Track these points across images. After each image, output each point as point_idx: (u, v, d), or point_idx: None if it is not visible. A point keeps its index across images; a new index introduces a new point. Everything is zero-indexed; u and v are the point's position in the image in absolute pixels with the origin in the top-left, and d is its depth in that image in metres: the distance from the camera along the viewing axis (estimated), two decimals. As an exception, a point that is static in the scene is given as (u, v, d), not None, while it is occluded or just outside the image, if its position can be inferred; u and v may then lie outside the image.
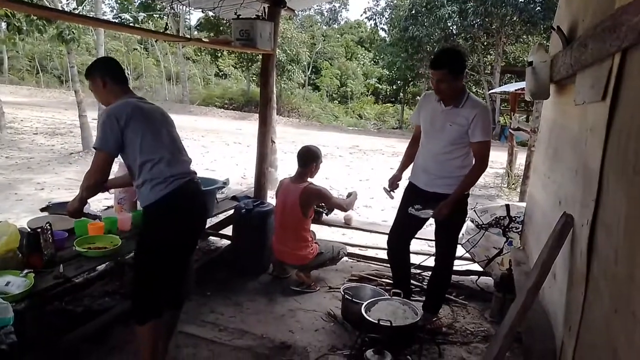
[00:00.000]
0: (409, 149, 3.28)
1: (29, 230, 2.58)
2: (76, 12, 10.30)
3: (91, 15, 10.95)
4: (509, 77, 20.76)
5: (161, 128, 2.33)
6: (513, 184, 8.86)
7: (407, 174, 3.28)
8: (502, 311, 3.16)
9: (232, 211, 4.10)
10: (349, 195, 3.83)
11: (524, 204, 3.57)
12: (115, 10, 27.07)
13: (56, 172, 8.11)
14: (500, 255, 3.51)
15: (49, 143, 11.48)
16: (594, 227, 1.47)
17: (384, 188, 3.31)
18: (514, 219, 3.52)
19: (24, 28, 9.97)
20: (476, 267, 3.82)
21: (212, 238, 4.66)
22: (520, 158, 8.88)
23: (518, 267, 2.77)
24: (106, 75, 2.31)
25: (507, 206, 3.60)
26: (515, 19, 18.84)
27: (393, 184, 3.26)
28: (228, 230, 4.39)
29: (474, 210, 3.69)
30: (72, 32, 9.52)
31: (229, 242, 4.37)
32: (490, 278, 3.67)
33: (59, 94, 27.54)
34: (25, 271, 2.30)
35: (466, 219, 3.21)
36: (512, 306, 1.93)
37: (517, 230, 3.49)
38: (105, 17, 15.44)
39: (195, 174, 2.44)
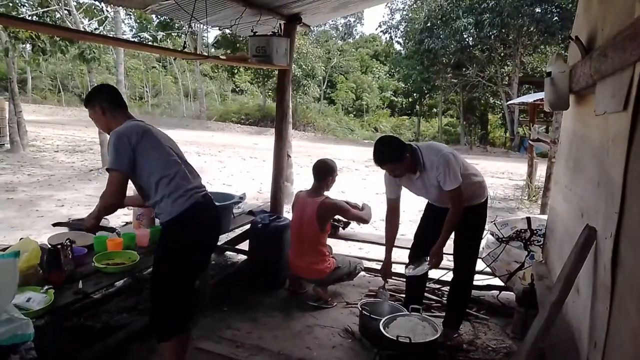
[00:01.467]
0: (389, 226, 3.31)
1: (50, 246, 2.61)
2: (97, 32, 10.61)
3: (111, 35, 11.25)
4: (527, 88, 20.54)
5: (170, 145, 2.38)
6: (534, 196, 8.71)
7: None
8: (525, 327, 3.07)
9: (248, 226, 4.10)
10: (362, 208, 3.81)
11: (545, 217, 3.49)
12: (134, 30, 27.81)
13: (76, 189, 8.27)
14: (521, 269, 3.43)
15: (69, 160, 11.73)
16: (617, 239, 1.43)
17: (379, 291, 3.34)
18: (535, 232, 3.45)
19: (48, 49, 10.32)
20: (497, 281, 3.74)
21: (228, 253, 4.67)
22: (541, 169, 8.74)
23: (540, 281, 2.70)
24: (104, 102, 2.35)
25: (528, 219, 3.53)
26: (532, 29, 18.73)
27: (387, 273, 3.28)
28: (244, 245, 4.39)
29: (494, 224, 3.62)
30: (93, 51, 9.79)
31: (245, 257, 4.37)
32: (511, 293, 3.58)
33: (80, 112, 28.18)
34: (46, 287, 2.33)
35: (485, 231, 3.16)
36: (534, 322, 1.87)
37: (539, 244, 3.41)
38: (125, 37, 15.86)
39: (206, 188, 2.47)
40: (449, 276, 3.91)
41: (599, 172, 1.80)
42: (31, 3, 11.27)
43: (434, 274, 4.13)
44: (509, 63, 21.45)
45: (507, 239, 3.51)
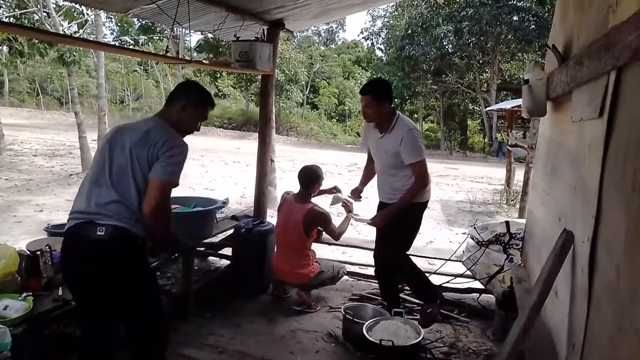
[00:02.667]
0: (366, 166, 3.62)
1: (28, 252, 2.57)
2: (77, 35, 10.44)
3: (92, 39, 11.09)
4: (505, 95, 20.97)
5: (117, 148, 2.03)
6: (512, 200, 8.87)
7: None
8: (505, 329, 3.12)
9: (231, 231, 4.09)
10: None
11: (523, 221, 3.56)
12: (115, 33, 27.42)
13: (55, 194, 8.10)
14: (501, 272, 3.49)
15: (48, 165, 11.50)
16: (594, 243, 1.47)
17: (341, 197, 3.63)
18: (514, 235, 3.52)
19: (26, 51, 10.12)
20: (477, 284, 3.80)
21: (211, 258, 4.64)
22: (519, 174, 8.91)
23: (519, 284, 2.75)
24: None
25: (507, 223, 3.60)
26: (510, 37, 19.14)
27: (354, 195, 3.59)
28: (228, 251, 4.37)
29: (474, 227, 3.69)
30: (73, 54, 9.63)
31: (228, 262, 4.35)
32: (492, 296, 3.64)
33: (59, 116, 27.71)
34: (24, 294, 2.28)
35: (465, 235, 3.22)
36: (514, 324, 1.91)
37: (518, 247, 3.48)
38: (105, 40, 15.65)
39: (111, 217, 1.96)
40: (430, 280, 3.97)
41: (576, 178, 1.85)
42: (8, 4, 11.04)
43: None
44: (487, 70, 21.86)
45: (487, 242, 3.58)
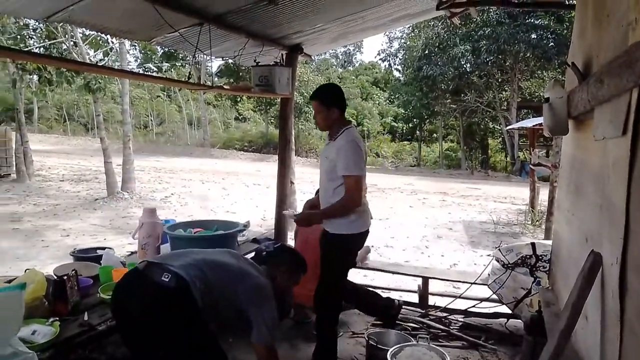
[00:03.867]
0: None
1: (55, 277, 2.62)
2: (103, 63, 10.82)
3: (117, 66, 11.46)
4: (526, 112, 20.74)
5: (225, 258, 2.31)
6: (537, 220, 8.68)
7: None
8: (534, 356, 3.02)
9: (252, 254, 4.08)
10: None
11: (549, 242, 3.47)
12: (139, 60, 28.33)
13: (81, 218, 8.28)
14: (528, 296, 3.39)
15: (74, 189, 11.78)
16: (624, 265, 1.43)
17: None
18: (540, 257, 3.43)
19: (54, 79, 10.52)
20: (505, 309, 3.70)
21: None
22: (543, 194, 8.74)
23: (548, 308, 2.67)
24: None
25: (533, 244, 3.51)
26: (528, 55, 19.02)
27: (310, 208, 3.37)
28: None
29: (499, 249, 3.61)
30: (99, 81, 9.96)
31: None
32: (519, 320, 3.54)
33: (85, 142, 28.49)
34: (51, 319, 2.32)
35: (490, 257, 3.14)
36: (543, 351, 1.85)
37: (545, 270, 3.39)
38: (130, 67, 16.16)
39: (157, 265, 2.05)
40: (455, 304, 3.89)
41: (601, 197, 1.81)
42: (38, 35, 11.53)
43: (440, 302, 4.10)
44: (506, 88, 21.71)
45: (513, 265, 3.49)
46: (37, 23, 11.19)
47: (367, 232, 3.00)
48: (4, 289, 2.12)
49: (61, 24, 10.42)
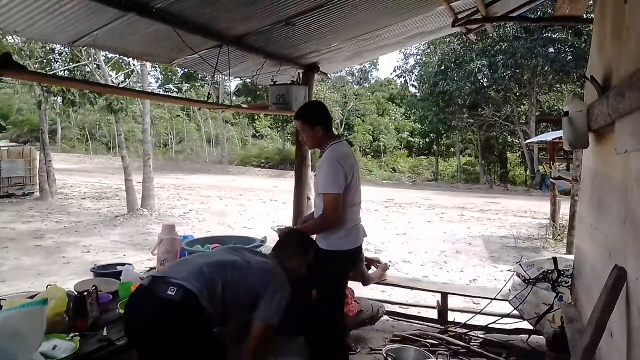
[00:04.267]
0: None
1: (76, 293, 2.66)
2: (124, 85, 11.10)
3: (138, 88, 11.75)
4: (546, 126, 20.50)
5: (230, 254, 2.32)
6: (559, 235, 8.51)
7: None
8: (558, 373, 2.94)
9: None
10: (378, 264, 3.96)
11: (572, 257, 3.40)
12: (160, 81, 29.01)
13: (102, 235, 8.41)
14: (550, 311, 3.31)
15: (95, 207, 12.00)
16: (649, 281, 1.39)
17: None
18: (562, 272, 3.35)
19: (77, 101, 10.83)
20: (526, 325, 3.61)
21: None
22: (564, 208, 8.58)
23: (571, 324, 2.60)
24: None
25: (555, 259, 3.44)
26: (547, 69, 18.88)
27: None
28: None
29: (520, 265, 3.54)
30: (121, 102, 10.21)
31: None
32: (541, 337, 3.46)
33: (107, 160, 29.07)
34: (72, 335, 2.35)
35: (511, 272, 3.08)
36: (568, 368, 1.80)
37: (567, 285, 3.31)
38: (151, 89, 16.54)
39: (166, 279, 2.03)
40: (476, 320, 3.82)
41: (624, 211, 1.78)
42: (63, 59, 11.92)
43: (461, 317, 4.03)
44: (525, 102, 21.53)
45: (534, 280, 3.42)
46: (62, 47, 11.58)
47: (359, 249, 2.96)
48: (27, 304, 2.15)
49: (85, 48, 10.77)
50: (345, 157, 2.81)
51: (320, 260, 2.78)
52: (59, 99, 12.12)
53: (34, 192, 13.52)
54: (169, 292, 1.93)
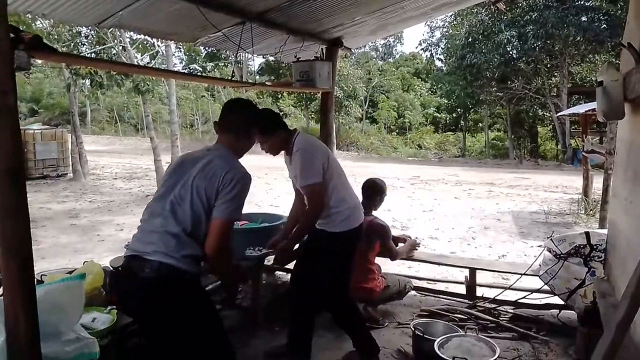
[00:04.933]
0: (294, 209, 3.22)
1: (112, 269, 2.76)
2: (150, 66, 11.20)
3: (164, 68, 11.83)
4: (577, 98, 19.79)
5: (179, 178, 2.02)
6: (591, 209, 8.30)
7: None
8: (588, 348, 2.90)
9: (296, 246, 4.14)
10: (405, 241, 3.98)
11: (605, 231, 3.32)
12: (184, 62, 29.16)
13: (134, 214, 8.64)
14: (582, 286, 3.26)
15: (127, 187, 12.32)
16: (688, 253, 1.35)
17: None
18: (595, 247, 3.28)
19: (105, 83, 11.02)
20: (557, 300, 3.57)
21: (278, 273, 4.72)
22: (597, 182, 8.35)
23: (603, 299, 2.56)
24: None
25: (587, 234, 3.37)
26: (579, 39, 18.08)
27: (274, 244, 3.11)
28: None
29: (551, 239, 3.48)
30: (147, 84, 10.34)
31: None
32: (572, 312, 3.41)
33: (135, 141, 29.63)
34: (109, 308, 2.45)
35: (542, 247, 3.04)
36: (600, 342, 1.78)
37: (600, 259, 3.25)
38: (175, 69, 16.67)
39: (161, 254, 1.89)
40: (505, 296, 3.80)
41: (662, 182, 1.72)
42: (89, 42, 12.09)
43: (489, 293, 4.01)
44: (556, 74, 20.77)
45: (566, 255, 3.36)
46: (88, 30, 11.73)
47: (360, 227, 2.96)
48: (66, 279, 2.25)
49: (110, 29, 10.88)
50: (313, 144, 2.84)
51: (339, 242, 2.83)
52: (87, 82, 12.35)
53: (67, 173, 13.94)
54: (145, 270, 1.87)
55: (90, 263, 2.81)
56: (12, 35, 1.56)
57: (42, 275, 2.73)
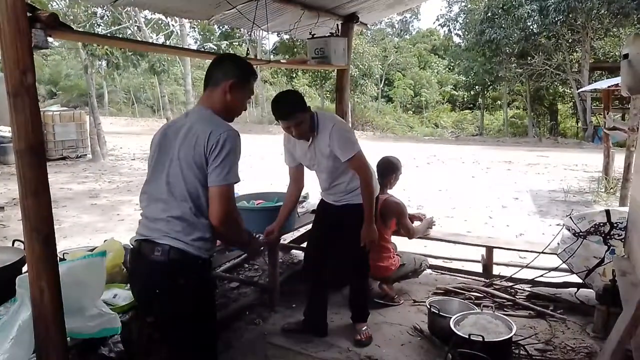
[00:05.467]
0: (289, 196, 3.15)
1: (132, 246, 2.81)
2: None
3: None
4: (600, 74, 19.22)
5: (165, 154, 1.90)
6: (611, 188, 8.14)
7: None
8: (607, 326, 2.89)
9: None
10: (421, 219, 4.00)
11: (625, 209, 3.26)
12: (199, 42, 29.08)
13: (152, 194, 8.78)
14: (601, 265, 3.22)
15: (145, 167, 12.33)
16: None
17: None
18: (615, 225, 3.23)
19: (121, 64, 11.08)
20: (574, 278, 3.54)
21: (294, 251, 4.77)
22: (618, 159, 8.17)
23: (623, 277, 2.53)
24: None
25: (607, 212, 3.31)
26: (603, 11, 17.49)
27: (268, 233, 3.02)
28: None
29: (570, 217, 3.43)
30: (162, 64, 10.38)
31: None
32: (590, 290, 3.39)
33: (152, 122, 29.84)
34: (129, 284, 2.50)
35: (561, 226, 3.01)
36: (619, 320, 1.77)
37: (620, 238, 3.19)
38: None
39: (167, 237, 1.80)
40: (522, 274, 3.78)
41: (689, 158, 1.67)
42: (105, 22, 12.13)
43: (506, 271, 4.00)
44: (578, 49, 20.17)
45: (585, 233, 3.32)
46: (104, 10, 11.76)
47: (376, 200, 3.04)
48: (87, 256, 2.30)
49: (125, 9, 10.89)
50: (341, 119, 2.94)
51: (354, 216, 2.90)
52: (104, 63, 12.44)
53: (86, 154, 14.15)
54: (156, 253, 1.81)
55: (110, 241, 2.87)
56: (29, 14, 1.57)
57: (64, 253, 2.80)
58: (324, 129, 2.75)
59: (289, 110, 2.67)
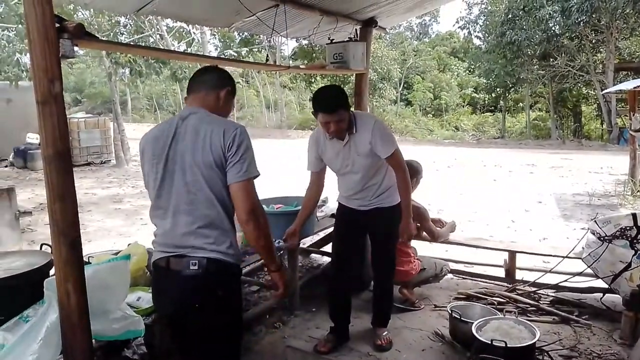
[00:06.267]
0: (306, 198, 3.10)
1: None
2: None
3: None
4: (625, 75, 18.75)
5: (174, 164, 1.82)
6: (638, 191, 7.94)
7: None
8: (635, 332, 2.82)
9: (332, 229, 4.16)
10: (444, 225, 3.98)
11: (654, 212, 3.18)
12: (219, 49, 29.46)
13: (173, 199, 8.91)
14: (628, 269, 3.14)
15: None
16: None
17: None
18: (642, 229, 3.15)
19: (144, 71, 11.31)
20: (600, 283, 3.46)
21: (313, 255, 4.77)
22: (646, 162, 7.96)
23: (652, 282, 2.46)
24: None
25: (634, 215, 3.22)
26: (628, 11, 17.06)
27: (288, 235, 3.04)
28: (329, 248, 4.46)
29: (595, 221, 3.36)
30: (184, 71, 10.54)
31: (329, 259, 4.44)
32: (617, 296, 3.30)
33: (174, 129, 30.35)
34: (153, 287, 2.54)
35: (585, 230, 2.95)
36: (647, 325, 1.72)
37: (648, 242, 3.11)
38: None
39: (193, 249, 1.78)
40: (545, 279, 3.72)
41: None
42: (128, 31, 12.40)
43: (529, 276, 3.93)
44: (602, 50, 19.71)
45: (611, 237, 3.24)
46: (127, 20, 12.02)
47: None
48: (112, 259, 2.35)
49: (148, 18, 11.12)
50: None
51: (393, 218, 2.92)
52: (127, 70, 12.71)
53: (110, 160, 14.44)
54: (191, 268, 1.76)
55: (134, 245, 2.92)
56: (57, 24, 1.63)
57: (89, 257, 2.86)
58: (364, 126, 2.73)
59: (337, 103, 2.61)
